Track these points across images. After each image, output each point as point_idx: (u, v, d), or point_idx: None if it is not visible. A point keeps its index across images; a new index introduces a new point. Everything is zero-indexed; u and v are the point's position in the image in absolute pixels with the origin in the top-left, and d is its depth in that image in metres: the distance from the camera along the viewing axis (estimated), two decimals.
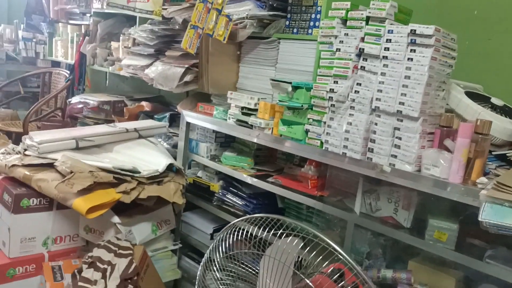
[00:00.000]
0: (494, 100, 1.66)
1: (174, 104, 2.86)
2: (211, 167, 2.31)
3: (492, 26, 1.84)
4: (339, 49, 1.66)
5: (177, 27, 2.41)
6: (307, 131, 1.77)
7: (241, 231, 1.44)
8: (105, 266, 1.70)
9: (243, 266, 1.47)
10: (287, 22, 2.12)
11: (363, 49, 1.57)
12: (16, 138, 3.22)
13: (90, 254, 1.77)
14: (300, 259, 1.28)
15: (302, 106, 1.77)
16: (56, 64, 4.53)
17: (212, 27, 2.09)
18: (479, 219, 1.20)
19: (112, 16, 3.51)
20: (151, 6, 2.54)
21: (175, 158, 2.34)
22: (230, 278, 1.50)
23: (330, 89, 1.67)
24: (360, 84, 1.59)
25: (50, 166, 1.92)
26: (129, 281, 1.68)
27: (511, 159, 1.49)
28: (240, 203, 2.13)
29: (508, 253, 1.36)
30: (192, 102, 2.51)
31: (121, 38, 3.11)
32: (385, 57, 1.52)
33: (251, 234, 1.40)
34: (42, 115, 3.82)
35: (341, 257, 1.19)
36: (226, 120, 2.14)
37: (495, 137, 1.51)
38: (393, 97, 1.49)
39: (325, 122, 1.71)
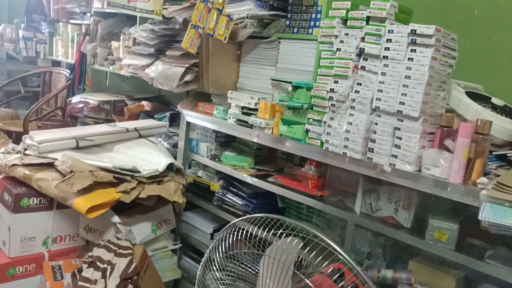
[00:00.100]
0: (494, 100, 1.65)
1: (175, 104, 2.86)
2: (211, 166, 2.31)
3: (492, 26, 1.84)
4: (340, 49, 1.66)
5: (177, 26, 2.41)
6: (307, 131, 1.77)
7: (241, 231, 1.44)
8: (105, 265, 1.70)
9: (243, 266, 1.47)
10: (288, 22, 2.12)
11: (364, 49, 1.57)
12: (17, 138, 3.23)
13: (90, 253, 1.77)
14: (300, 259, 1.28)
15: (302, 106, 1.77)
16: (57, 63, 4.53)
17: (213, 27, 2.08)
18: (479, 218, 1.20)
19: (112, 15, 3.51)
20: (152, 5, 2.54)
21: (175, 158, 2.34)
22: (230, 278, 1.50)
23: (331, 89, 1.67)
24: (360, 84, 1.59)
25: (50, 165, 1.92)
26: (129, 280, 1.68)
27: (511, 159, 1.49)
28: (240, 203, 2.13)
29: (508, 253, 1.36)
30: (192, 102, 2.51)
31: (121, 37, 3.11)
32: (386, 57, 1.52)
33: (251, 234, 1.40)
34: (42, 114, 3.82)
35: (341, 257, 1.19)
36: (226, 119, 2.13)
37: (495, 137, 1.51)
38: (394, 97, 1.49)
39: (325, 122, 1.71)
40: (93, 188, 1.80)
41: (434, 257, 1.53)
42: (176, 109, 2.67)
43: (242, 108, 2.06)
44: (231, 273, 1.50)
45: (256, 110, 2.00)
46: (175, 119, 2.72)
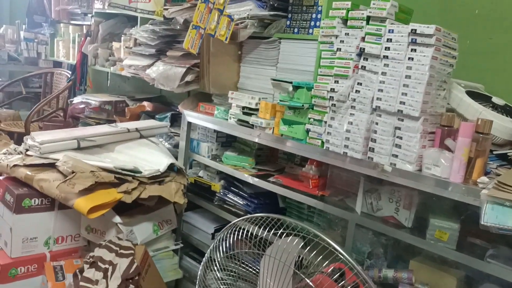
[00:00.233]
0: (495, 99, 1.65)
1: (175, 104, 2.87)
2: (212, 166, 2.31)
3: (493, 25, 1.84)
4: (340, 49, 1.66)
5: (178, 27, 2.41)
6: (308, 131, 1.77)
7: (242, 230, 1.44)
8: (107, 266, 1.70)
9: (244, 266, 1.47)
10: (288, 22, 2.12)
11: (364, 48, 1.57)
12: (18, 139, 3.23)
13: (91, 254, 1.77)
14: (300, 258, 1.28)
15: (303, 105, 1.77)
16: (58, 64, 4.54)
17: (214, 27, 2.09)
18: (481, 222, 1.20)
19: (113, 16, 3.52)
20: (153, 6, 2.54)
21: (176, 158, 2.34)
22: (231, 277, 1.50)
23: (331, 88, 1.67)
24: (361, 84, 1.59)
25: (52, 166, 1.92)
26: (130, 281, 1.68)
27: None
28: (241, 203, 2.14)
29: (510, 252, 1.36)
30: (193, 102, 2.51)
31: (122, 38, 3.11)
32: (386, 57, 1.52)
33: (252, 234, 1.40)
34: (44, 115, 3.83)
35: (341, 256, 1.19)
36: (227, 120, 2.14)
37: (496, 136, 1.51)
38: (394, 97, 1.49)
39: (326, 122, 1.71)
40: (94, 189, 1.80)
41: (435, 257, 1.53)
42: (177, 110, 2.67)
43: (243, 108, 2.06)
44: (232, 273, 1.50)
45: (257, 110, 2.00)
46: (176, 119, 2.72)
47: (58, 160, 1.92)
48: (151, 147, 2.30)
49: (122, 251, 1.77)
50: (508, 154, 1.50)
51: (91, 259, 1.74)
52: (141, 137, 2.35)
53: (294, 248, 1.25)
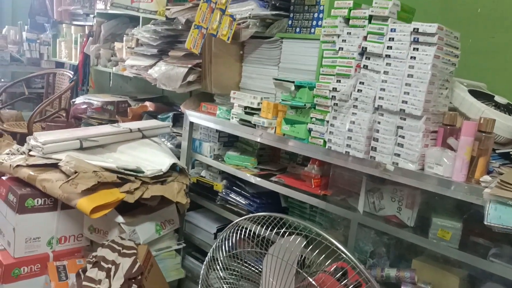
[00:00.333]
0: (497, 98, 1.65)
1: (178, 104, 2.87)
2: (214, 166, 2.31)
3: (495, 24, 1.84)
4: (342, 48, 1.66)
5: (180, 27, 2.41)
6: (310, 130, 1.77)
7: (244, 230, 1.44)
8: (109, 265, 1.70)
9: (247, 265, 1.47)
10: (290, 22, 2.12)
11: (366, 48, 1.57)
12: (21, 139, 3.23)
13: (94, 253, 1.77)
14: (303, 257, 1.28)
15: (305, 105, 1.77)
16: (60, 65, 4.55)
17: (216, 27, 2.09)
18: (485, 223, 1.20)
19: (115, 16, 3.52)
20: (155, 6, 2.54)
21: (178, 158, 2.35)
22: (233, 277, 1.50)
23: (333, 88, 1.67)
24: (363, 83, 1.59)
25: (55, 166, 1.93)
26: (133, 280, 1.69)
27: None
28: (244, 203, 2.14)
29: None
30: (195, 102, 2.52)
31: (124, 38, 3.11)
32: (388, 56, 1.52)
33: (254, 233, 1.40)
34: (46, 115, 3.84)
35: (343, 255, 1.19)
36: (229, 119, 2.14)
37: (498, 135, 1.50)
38: (396, 96, 1.49)
39: (328, 121, 1.71)
40: (97, 189, 1.80)
41: (438, 256, 1.52)
42: (179, 110, 2.67)
43: (245, 108, 2.06)
44: (234, 272, 1.50)
45: (259, 109, 2.00)
46: (178, 119, 2.72)
47: (60, 160, 1.92)
48: (153, 147, 2.30)
49: (124, 250, 1.77)
50: (511, 153, 1.50)
51: (94, 259, 1.74)
52: (143, 137, 2.35)
53: (297, 247, 1.25)
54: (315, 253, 1.24)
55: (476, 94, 1.63)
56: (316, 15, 2.01)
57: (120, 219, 1.89)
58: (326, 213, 1.86)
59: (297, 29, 2.09)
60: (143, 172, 1.98)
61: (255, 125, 1.98)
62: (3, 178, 2.02)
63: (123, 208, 1.90)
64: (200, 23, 2.04)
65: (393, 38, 1.51)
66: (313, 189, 1.85)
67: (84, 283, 1.65)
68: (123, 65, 3.02)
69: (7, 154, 2.08)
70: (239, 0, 2.26)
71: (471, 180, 1.37)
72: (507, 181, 1.21)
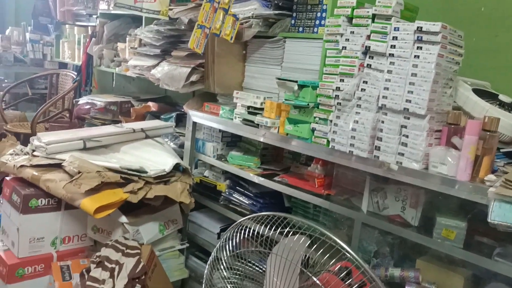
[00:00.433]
0: (502, 97, 1.64)
1: (181, 104, 2.87)
2: (217, 166, 2.31)
3: (499, 23, 1.83)
4: (345, 47, 1.66)
5: (182, 27, 2.42)
6: (313, 130, 1.77)
7: (247, 230, 1.44)
8: (113, 265, 1.70)
9: (250, 265, 1.47)
10: (293, 21, 2.12)
11: (369, 47, 1.57)
12: (24, 139, 3.25)
13: (98, 253, 1.78)
14: (307, 257, 1.28)
15: (308, 104, 1.76)
16: (63, 65, 4.56)
17: (219, 27, 2.09)
18: (489, 220, 1.20)
19: (118, 17, 3.53)
20: (158, 6, 2.54)
21: (181, 158, 2.35)
22: (237, 276, 1.50)
23: (336, 87, 1.67)
24: (366, 82, 1.59)
25: (58, 166, 1.93)
26: (136, 280, 1.69)
27: None
28: (247, 202, 2.14)
29: None
30: (198, 102, 2.52)
31: (127, 39, 3.12)
32: (392, 55, 1.51)
33: (258, 233, 1.40)
34: (49, 116, 3.85)
35: (348, 254, 1.19)
36: (232, 119, 2.14)
37: (503, 134, 1.50)
38: (400, 95, 1.49)
39: (331, 121, 1.70)
40: (100, 189, 1.81)
41: (442, 256, 1.52)
42: (182, 110, 2.67)
43: (248, 107, 2.06)
44: (238, 272, 1.50)
45: (262, 109, 2.00)
46: (181, 119, 2.72)
47: (64, 160, 1.93)
48: (156, 147, 2.30)
49: (128, 250, 1.77)
50: None
51: (97, 258, 1.74)
52: (147, 137, 2.36)
53: (301, 246, 1.25)
54: (319, 253, 1.24)
55: (480, 93, 1.62)
56: (319, 14, 2.01)
57: (123, 219, 1.89)
58: (330, 213, 1.85)
59: (300, 29, 2.09)
60: (146, 172, 1.98)
61: (258, 124, 1.98)
62: (7, 178, 2.02)
63: (126, 208, 1.90)
64: (203, 22, 2.04)
65: (396, 37, 1.50)
66: (317, 189, 1.85)
67: (88, 283, 1.65)
68: (126, 65, 3.02)
69: (11, 154, 2.08)
70: (242, 0, 2.26)
71: (476, 179, 1.36)
72: None
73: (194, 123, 2.34)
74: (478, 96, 1.58)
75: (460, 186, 1.34)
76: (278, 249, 1.28)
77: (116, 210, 1.84)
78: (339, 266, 1.27)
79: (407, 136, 1.49)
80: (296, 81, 1.80)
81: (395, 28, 1.51)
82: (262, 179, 2.01)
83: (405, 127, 1.49)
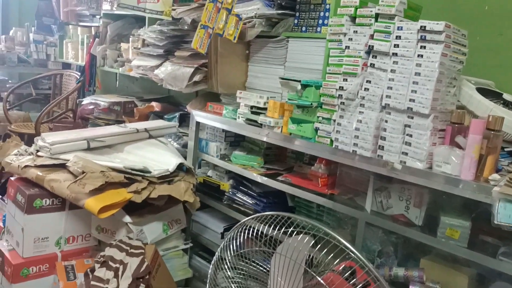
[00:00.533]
0: (506, 96, 1.64)
1: (184, 104, 2.88)
2: (221, 166, 2.31)
3: (503, 21, 1.82)
4: (348, 47, 1.65)
5: (186, 27, 2.42)
6: (316, 129, 1.77)
7: (251, 229, 1.44)
8: (117, 265, 1.71)
9: (254, 265, 1.47)
10: (296, 21, 2.12)
11: (373, 46, 1.57)
12: (29, 140, 3.26)
13: (102, 253, 1.78)
14: (311, 257, 1.28)
15: (311, 104, 1.76)
16: (67, 66, 4.58)
17: (222, 27, 2.09)
18: (494, 221, 1.19)
19: (121, 17, 3.53)
20: (161, 6, 2.55)
21: (185, 158, 2.35)
22: (241, 276, 1.50)
23: (340, 87, 1.67)
24: (369, 82, 1.59)
25: (62, 166, 1.94)
26: (141, 280, 1.69)
27: None
28: (250, 202, 2.14)
29: None
30: (201, 102, 2.52)
31: (130, 39, 3.13)
32: (395, 54, 1.51)
33: (262, 233, 1.40)
34: (53, 116, 3.86)
35: (352, 254, 1.19)
36: (235, 119, 2.14)
37: (507, 133, 1.49)
38: (403, 94, 1.49)
39: (334, 120, 1.70)
40: (104, 189, 1.81)
41: (446, 255, 1.52)
42: (186, 110, 2.68)
43: (251, 107, 2.06)
44: (242, 272, 1.50)
45: (265, 109, 2.00)
46: (184, 119, 2.73)
47: (68, 160, 1.93)
48: (160, 147, 2.31)
49: (132, 250, 1.78)
50: None
51: (102, 258, 1.75)
52: (150, 137, 2.36)
53: (305, 246, 1.25)
54: (323, 252, 1.24)
55: (484, 92, 1.62)
56: (322, 14, 2.01)
57: (127, 219, 1.90)
58: (333, 212, 1.85)
59: (303, 28, 2.09)
60: (150, 172, 1.99)
61: (261, 124, 1.98)
62: (12, 178, 2.03)
63: (130, 208, 1.90)
64: (206, 23, 2.04)
65: (400, 36, 1.50)
66: (320, 188, 1.85)
67: (92, 282, 1.66)
68: (130, 65, 3.03)
69: (15, 154, 2.09)
70: (245, 0, 2.26)
71: (480, 178, 1.36)
72: None
73: (198, 123, 2.34)
74: (482, 95, 1.58)
75: (464, 186, 1.34)
76: (282, 249, 1.28)
77: (120, 210, 1.84)
78: (343, 265, 1.27)
79: (410, 136, 1.49)
80: (299, 81, 1.80)
81: (398, 27, 1.51)
82: (266, 178, 2.01)
83: (409, 126, 1.49)
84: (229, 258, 1.49)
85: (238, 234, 1.47)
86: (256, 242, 1.43)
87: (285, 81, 1.87)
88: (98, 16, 3.76)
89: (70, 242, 1.98)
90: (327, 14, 1.98)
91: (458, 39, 1.48)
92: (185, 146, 2.48)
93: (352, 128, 1.63)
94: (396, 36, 1.51)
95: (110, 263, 1.72)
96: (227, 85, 2.31)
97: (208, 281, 1.59)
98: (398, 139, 1.51)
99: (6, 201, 2.09)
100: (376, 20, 1.58)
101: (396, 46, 1.51)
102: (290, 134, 1.87)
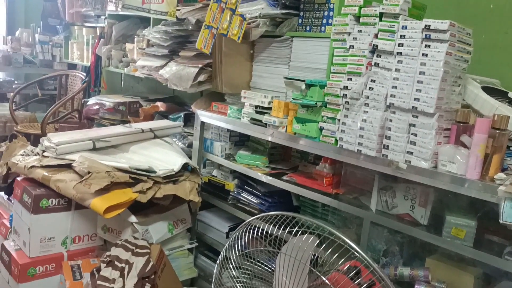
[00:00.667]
0: (511, 94, 1.63)
1: (189, 104, 2.88)
2: (226, 166, 2.32)
3: (508, 20, 1.81)
4: (353, 46, 1.65)
5: (190, 27, 2.42)
6: (321, 129, 1.77)
7: (256, 229, 1.44)
8: (123, 265, 1.72)
9: (259, 264, 1.48)
10: (300, 20, 2.12)
11: (377, 45, 1.56)
12: (35, 140, 3.28)
13: (108, 253, 1.79)
14: (316, 256, 1.28)
15: (316, 103, 1.76)
16: (72, 66, 4.60)
17: (227, 27, 2.09)
18: (500, 221, 1.19)
19: (126, 18, 3.55)
20: (166, 7, 2.55)
21: (190, 158, 2.36)
22: (246, 276, 1.50)
23: (344, 86, 1.67)
24: (374, 81, 1.58)
25: (68, 167, 1.95)
26: (146, 279, 1.70)
27: None
28: (255, 202, 2.14)
29: None
30: (206, 102, 2.53)
31: (135, 39, 3.14)
32: (399, 53, 1.51)
33: (267, 232, 1.41)
34: (59, 117, 3.88)
35: (357, 254, 1.19)
36: (240, 119, 2.14)
37: None
38: (408, 93, 1.48)
39: (339, 120, 1.70)
40: (110, 189, 1.82)
41: (452, 254, 1.51)
42: (190, 109, 2.68)
43: (256, 107, 2.06)
44: (247, 271, 1.50)
45: (270, 109, 2.00)
46: (189, 119, 2.73)
47: (74, 160, 1.94)
48: (165, 147, 2.32)
49: (138, 250, 1.79)
50: None
51: (107, 258, 1.76)
52: (155, 137, 2.37)
53: (310, 246, 1.25)
54: (328, 252, 1.24)
55: (490, 90, 1.61)
56: (326, 13, 2.01)
57: (133, 218, 1.90)
58: (338, 212, 1.85)
59: (307, 28, 2.09)
60: (155, 172, 1.99)
61: (266, 124, 1.98)
62: (18, 178, 2.04)
63: (136, 207, 1.91)
64: (210, 23, 2.05)
65: (404, 36, 1.50)
66: (325, 188, 1.85)
67: (98, 282, 1.67)
68: (134, 65, 3.04)
69: (22, 155, 2.10)
70: (249, 0, 2.26)
71: (485, 177, 1.35)
72: None
73: (202, 123, 2.34)
74: (488, 94, 1.57)
75: (469, 185, 1.34)
76: (287, 249, 1.28)
77: (126, 209, 1.85)
78: (348, 265, 1.27)
79: (415, 135, 1.48)
80: (303, 80, 1.80)
81: (402, 26, 1.50)
82: (271, 178, 2.01)
83: (414, 125, 1.49)
84: (234, 257, 1.50)
85: (243, 233, 1.47)
86: (261, 242, 1.43)
87: (289, 81, 1.87)
88: (103, 17, 3.78)
89: (76, 242, 1.99)
90: (331, 13, 1.98)
91: (463, 38, 1.48)
92: (190, 146, 2.49)
93: (356, 127, 1.63)
94: (401, 35, 1.50)
95: (116, 262, 1.73)
96: (231, 85, 2.31)
97: (213, 280, 1.59)
98: (403, 138, 1.51)
99: (12, 201, 2.11)
100: (381, 19, 1.58)
101: (401, 45, 1.50)
102: (295, 133, 1.87)
